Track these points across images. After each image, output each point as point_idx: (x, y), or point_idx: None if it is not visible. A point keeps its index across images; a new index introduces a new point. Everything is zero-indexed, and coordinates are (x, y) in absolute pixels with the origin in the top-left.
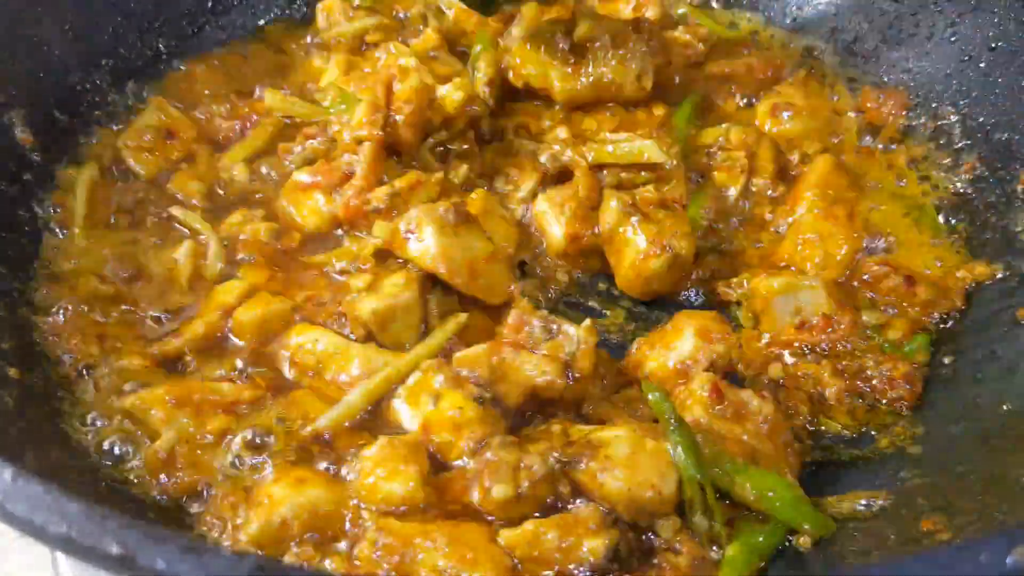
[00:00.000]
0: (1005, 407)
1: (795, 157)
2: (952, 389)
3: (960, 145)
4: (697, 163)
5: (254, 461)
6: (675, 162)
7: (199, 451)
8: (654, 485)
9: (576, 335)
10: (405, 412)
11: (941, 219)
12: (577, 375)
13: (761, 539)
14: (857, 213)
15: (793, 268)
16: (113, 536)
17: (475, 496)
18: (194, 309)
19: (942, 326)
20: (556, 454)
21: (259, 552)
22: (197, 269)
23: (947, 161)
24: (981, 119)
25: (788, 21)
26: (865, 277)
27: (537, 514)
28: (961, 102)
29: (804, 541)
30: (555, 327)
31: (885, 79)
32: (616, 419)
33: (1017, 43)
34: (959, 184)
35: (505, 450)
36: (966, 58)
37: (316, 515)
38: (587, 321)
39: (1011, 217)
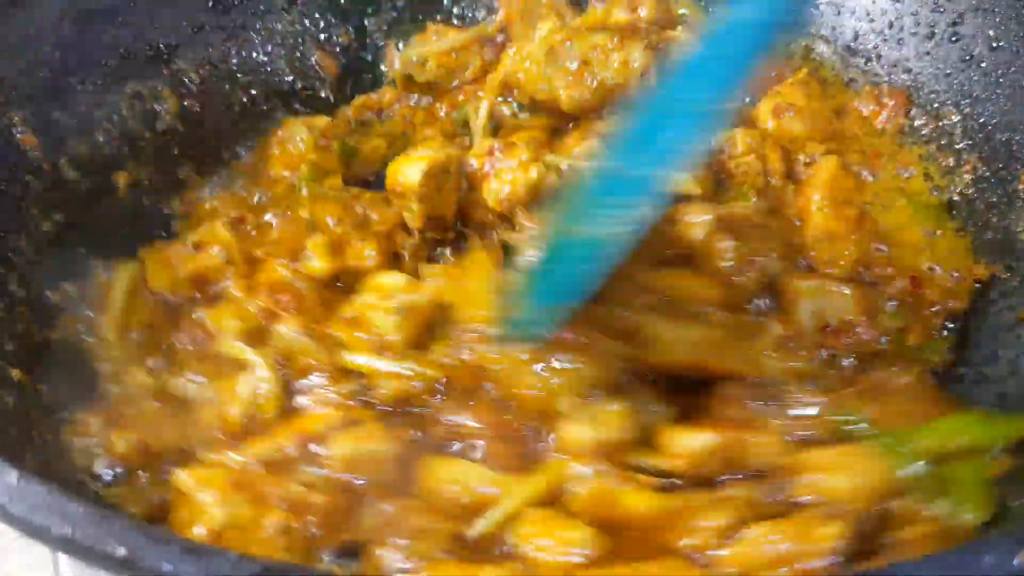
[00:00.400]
0: (1007, 409)
1: (801, 158)
2: (955, 391)
3: (961, 145)
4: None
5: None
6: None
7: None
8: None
9: None
10: None
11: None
12: None
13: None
14: (865, 214)
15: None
16: (116, 538)
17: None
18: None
19: (949, 325)
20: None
21: None
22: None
23: (948, 162)
24: (982, 119)
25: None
26: (872, 282)
27: None
28: (962, 102)
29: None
30: None
31: (886, 79)
32: None
33: (1019, 43)
34: (960, 185)
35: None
36: (967, 58)
37: None
38: None
39: (1012, 218)
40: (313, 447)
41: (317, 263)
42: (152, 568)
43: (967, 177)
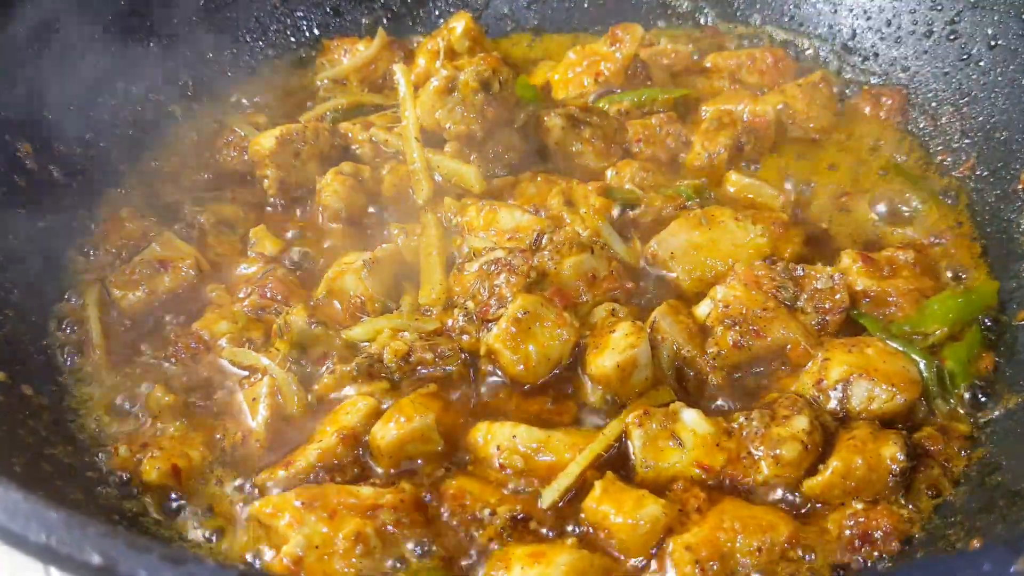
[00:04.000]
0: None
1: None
2: None
3: (959, 144)
4: None
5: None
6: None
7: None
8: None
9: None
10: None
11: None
12: None
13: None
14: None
15: None
16: (94, 545)
17: (766, 469)
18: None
19: None
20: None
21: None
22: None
23: (946, 160)
24: (980, 118)
25: (786, 19)
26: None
27: None
28: (960, 101)
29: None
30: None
31: (883, 78)
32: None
33: (1018, 41)
34: (958, 183)
35: (762, 421)
36: (965, 56)
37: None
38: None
39: (1010, 217)
40: (361, 445)
41: (269, 247)
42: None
43: (965, 175)
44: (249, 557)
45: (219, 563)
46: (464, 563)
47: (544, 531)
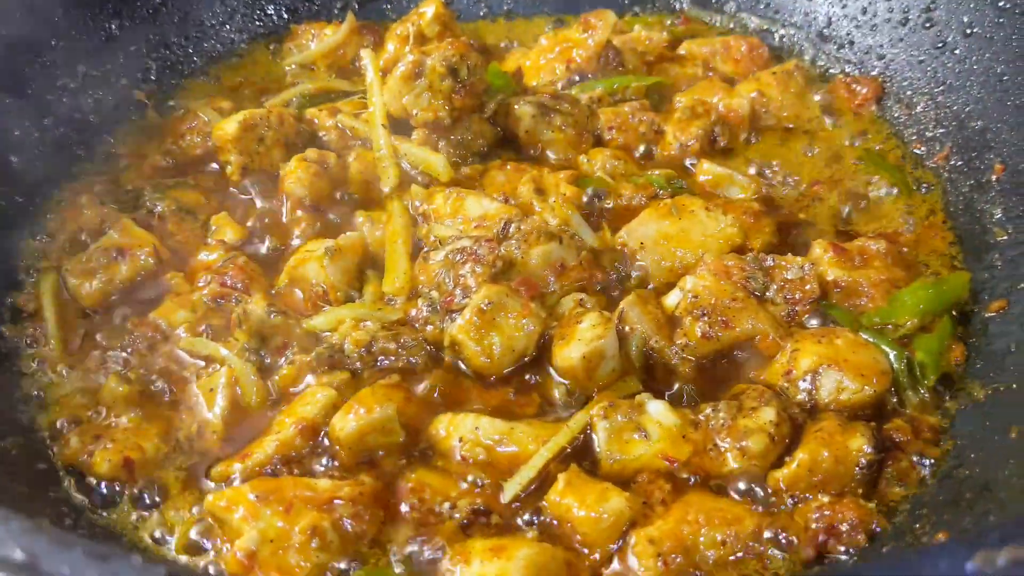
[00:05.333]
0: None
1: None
2: None
3: (933, 134)
4: None
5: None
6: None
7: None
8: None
9: None
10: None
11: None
12: None
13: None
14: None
15: None
16: (16, 540)
17: (732, 462)
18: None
19: None
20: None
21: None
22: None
23: (921, 150)
24: (955, 107)
25: (762, 7)
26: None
27: None
28: (936, 89)
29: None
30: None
31: (859, 66)
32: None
33: (993, 29)
34: (932, 173)
35: (729, 413)
36: (940, 44)
37: (547, 573)
38: None
39: (983, 207)
40: (320, 437)
41: (231, 234)
42: (52, 573)
43: (939, 165)
44: (207, 546)
45: (145, 560)
46: (423, 558)
47: (505, 524)
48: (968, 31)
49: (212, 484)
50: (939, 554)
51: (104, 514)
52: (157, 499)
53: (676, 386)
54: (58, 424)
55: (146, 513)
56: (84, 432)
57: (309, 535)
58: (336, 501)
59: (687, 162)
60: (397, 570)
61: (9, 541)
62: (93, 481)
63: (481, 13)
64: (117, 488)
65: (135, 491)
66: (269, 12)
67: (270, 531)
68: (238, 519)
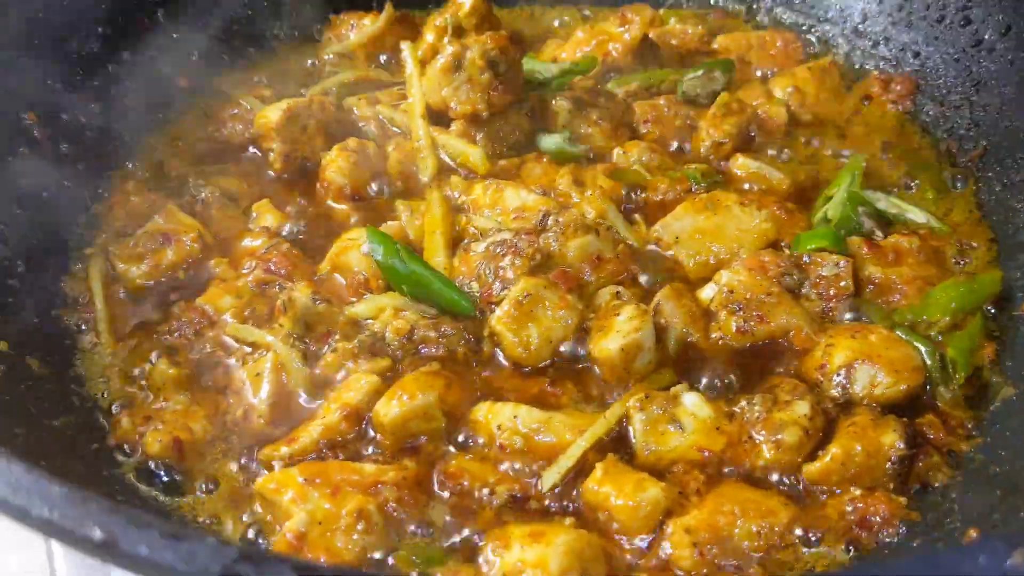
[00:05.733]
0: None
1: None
2: None
3: (967, 132)
4: None
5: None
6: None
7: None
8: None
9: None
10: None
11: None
12: None
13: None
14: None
15: None
16: (95, 520)
17: (767, 453)
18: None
19: None
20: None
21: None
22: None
23: (954, 148)
24: (990, 106)
25: (797, 2)
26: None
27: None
28: (970, 88)
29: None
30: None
31: (893, 63)
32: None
33: None
34: (965, 171)
35: (764, 406)
36: (977, 43)
37: (585, 559)
38: None
39: (1016, 207)
40: (364, 423)
41: (272, 220)
42: (131, 552)
43: (971, 164)
44: (251, 533)
45: (220, 540)
46: (463, 542)
47: (542, 510)
48: (1004, 30)
49: (261, 467)
50: (978, 550)
51: (157, 494)
52: (207, 483)
53: (710, 378)
54: (110, 406)
55: (198, 495)
56: (135, 413)
57: (355, 517)
58: (380, 485)
59: (719, 163)
60: (438, 553)
61: (88, 520)
62: (145, 461)
63: (517, 2)
64: (168, 468)
65: (185, 471)
66: (306, 2)
67: (318, 513)
68: (287, 501)
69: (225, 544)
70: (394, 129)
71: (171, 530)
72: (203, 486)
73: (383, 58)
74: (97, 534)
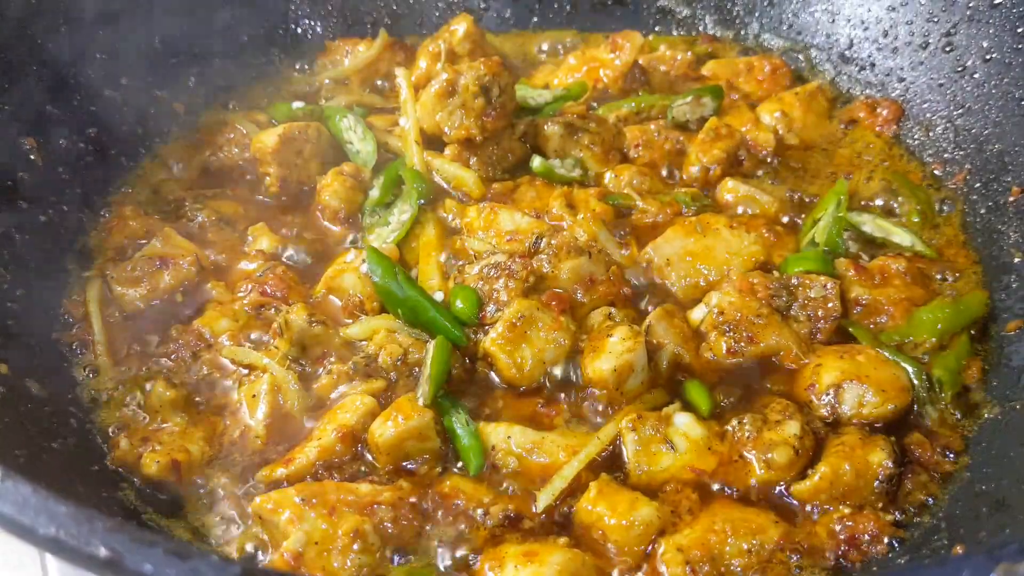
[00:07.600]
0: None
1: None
2: None
3: (952, 156)
4: None
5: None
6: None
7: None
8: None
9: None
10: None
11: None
12: None
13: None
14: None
15: None
16: (100, 538)
17: (758, 472)
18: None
19: None
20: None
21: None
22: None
23: (939, 172)
24: (974, 130)
25: (784, 28)
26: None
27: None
28: (954, 112)
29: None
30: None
31: (879, 88)
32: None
33: (1012, 54)
34: (951, 194)
35: (754, 425)
36: (960, 68)
37: None
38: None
39: (1001, 229)
40: (359, 444)
41: (268, 244)
42: (135, 570)
43: (956, 187)
44: (250, 548)
45: (223, 558)
46: (459, 561)
47: (536, 530)
48: (987, 56)
49: (257, 487)
50: (962, 565)
51: (155, 514)
52: (207, 501)
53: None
54: (108, 428)
55: (197, 514)
56: (133, 435)
57: (352, 537)
58: (376, 505)
59: (709, 187)
60: (433, 573)
61: (94, 539)
62: (143, 483)
63: (509, 29)
64: (167, 489)
65: (183, 492)
66: (305, 28)
67: (315, 533)
68: (284, 521)
69: (228, 561)
70: (388, 154)
71: (175, 548)
72: (199, 506)
73: (379, 83)
74: (102, 552)
